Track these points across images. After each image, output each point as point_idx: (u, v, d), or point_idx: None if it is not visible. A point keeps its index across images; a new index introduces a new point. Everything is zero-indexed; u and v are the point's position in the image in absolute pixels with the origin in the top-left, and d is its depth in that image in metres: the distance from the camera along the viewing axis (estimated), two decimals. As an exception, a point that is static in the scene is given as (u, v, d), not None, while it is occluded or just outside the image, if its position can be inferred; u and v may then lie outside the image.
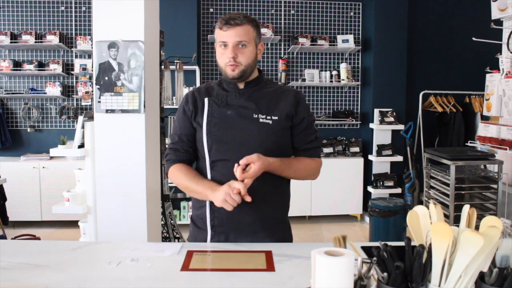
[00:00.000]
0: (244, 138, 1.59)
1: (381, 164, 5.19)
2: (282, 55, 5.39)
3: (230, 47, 1.56)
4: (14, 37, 4.95)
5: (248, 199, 1.47)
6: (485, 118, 4.06)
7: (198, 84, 5.09)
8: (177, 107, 2.15)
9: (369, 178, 5.25)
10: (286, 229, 1.74)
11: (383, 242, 1.01)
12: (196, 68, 5.07)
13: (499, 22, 3.51)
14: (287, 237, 1.73)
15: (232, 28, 1.55)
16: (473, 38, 3.44)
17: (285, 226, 1.74)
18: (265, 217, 1.61)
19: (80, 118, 2.74)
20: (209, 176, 1.62)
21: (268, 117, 1.60)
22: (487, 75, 3.60)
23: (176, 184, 1.70)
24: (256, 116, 1.60)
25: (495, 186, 3.63)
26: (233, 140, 1.59)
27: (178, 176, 1.65)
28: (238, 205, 1.48)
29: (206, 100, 1.65)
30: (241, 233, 1.61)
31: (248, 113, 1.60)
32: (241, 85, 1.65)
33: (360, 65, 5.47)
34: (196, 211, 1.69)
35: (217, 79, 1.75)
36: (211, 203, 1.60)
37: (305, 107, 1.69)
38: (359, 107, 5.54)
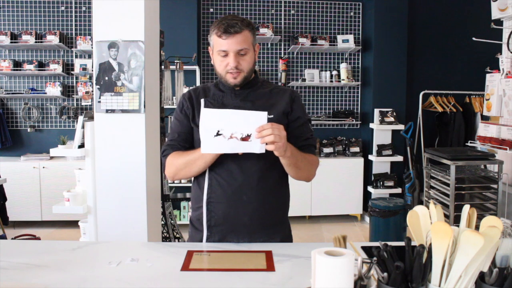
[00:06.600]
0: None
1: (381, 164, 5.19)
2: (282, 55, 5.38)
3: (232, 56, 1.54)
4: (14, 37, 4.95)
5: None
6: (485, 118, 4.06)
7: (198, 84, 5.08)
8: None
9: (369, 178, 5.25)
10: (285, 230, 1.72)
11: (383, 242, 1.01)
12: (196, 68, 5.06)
13: (499, 22, 3.50)
14: (286, 238, 1.70)
15: (231, 36, 1.51)
16: (473, 38, 3.44)
17: (285, 226, 1.72)
18: (263, 218, 1.59)
19: (80, 118, 2.74)
20: (207, 174, 1.61)
21: None
22: (487, 75, 3.60)
23: (175, 168, 1.62)
24: None
25: (495, 186, 3.63)
26: None
27: (176, 157, 1.61)
28: (236, 205, 1.48)
29: (202, 100, 1.65)
30: (238, 234, 1.60)
31: None
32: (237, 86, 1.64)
33: (360, 65, 5.47)
34: (194, 212, 1.69)
35: (216, 80, 1.74)
36: (208, 204, 1.60)
37: (301, 105, 1.69)
38: (359, 107, 5.53)
